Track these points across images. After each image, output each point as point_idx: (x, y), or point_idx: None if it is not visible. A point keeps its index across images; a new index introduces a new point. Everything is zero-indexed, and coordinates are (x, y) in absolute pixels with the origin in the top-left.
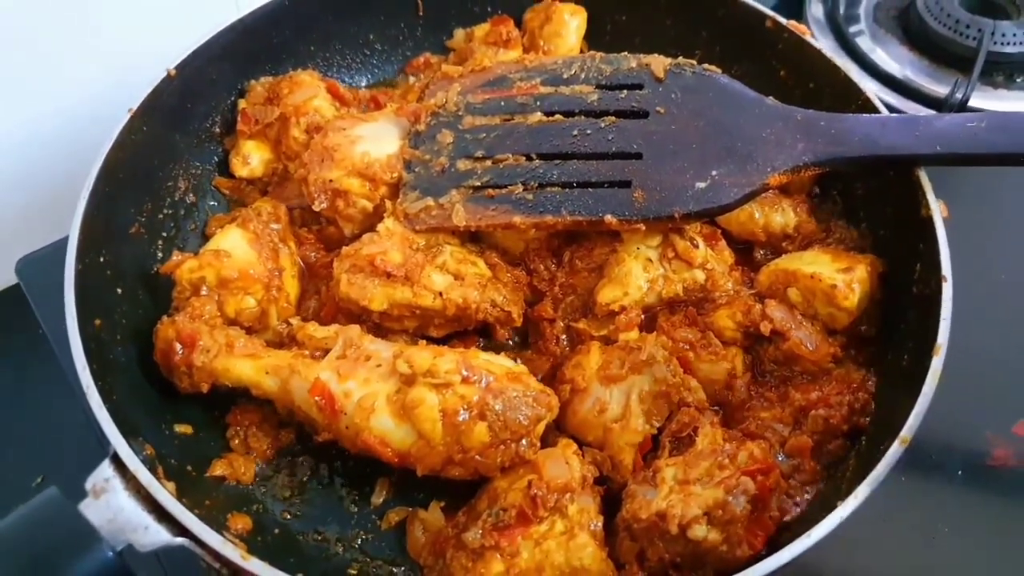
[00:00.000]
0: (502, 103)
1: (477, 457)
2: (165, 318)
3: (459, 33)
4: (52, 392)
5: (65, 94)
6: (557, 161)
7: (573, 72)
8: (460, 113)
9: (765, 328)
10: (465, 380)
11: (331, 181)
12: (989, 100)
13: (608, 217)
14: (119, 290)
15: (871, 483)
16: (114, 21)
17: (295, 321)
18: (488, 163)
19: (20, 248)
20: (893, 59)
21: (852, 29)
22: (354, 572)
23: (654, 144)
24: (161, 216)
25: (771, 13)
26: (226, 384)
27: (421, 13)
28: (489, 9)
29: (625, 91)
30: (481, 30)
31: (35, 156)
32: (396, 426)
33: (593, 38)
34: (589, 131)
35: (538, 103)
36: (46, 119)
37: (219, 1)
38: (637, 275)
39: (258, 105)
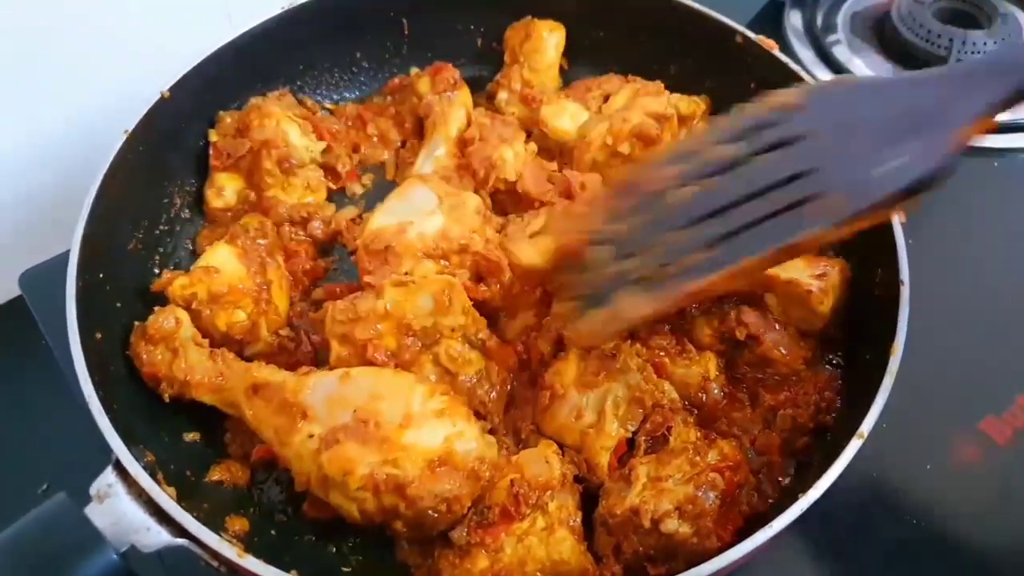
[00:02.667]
0: (644, 200)
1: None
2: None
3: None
4: (54, 401)
5: (63, 112)
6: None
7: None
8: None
9: (740, 333)
10: (375, 492)
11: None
12: None
13: (810, 232)
14: (118, 304)
15: (830, 477)
16: (110, 41)
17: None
18: (649, 254)
19: (23, 261)
20: (869, 68)
21: (830, 39)
22: (347, 570)
23: (822, 154)
24: (157, 232)
25: (741, 28)
26: None
27: (406, 32)
28: (472, 27)
29: (766, 130)
30: (424, 84)
31: (36, 173)
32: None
33: (572, 54)
34: (746, 174)
35: (681, 180)
36: (46, 137)
37: (214, 21)
38: None
39: (228, 137)
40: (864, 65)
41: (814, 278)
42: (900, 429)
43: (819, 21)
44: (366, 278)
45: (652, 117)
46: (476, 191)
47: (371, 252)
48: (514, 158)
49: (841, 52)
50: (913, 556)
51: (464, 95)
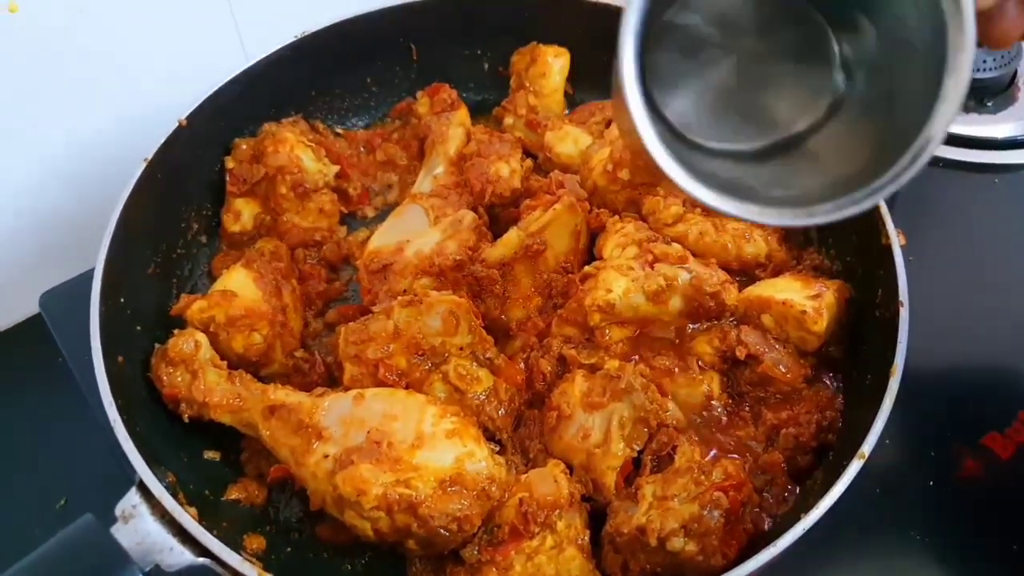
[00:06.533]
0: None
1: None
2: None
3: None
4: (71, 417)
5: (82, 138)
6: None
7: None
8: None
9: (740, 352)
10: (389, 512)
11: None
12: (961, 123)
13: None
14: (138, 328)
15: (832, 497)
16: (127, 70)
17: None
18: None
19: (41, 279)
20: None
21: None
22: None
23: None
24: (175, 256)
25: None
26: None
27: (415, 58)
28: (479, 52)
29: None
30: (423, 106)
31: (55, 197)
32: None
33: (577, 78)
34: None
35: None
36: (64, 161)
37: (227, 49)
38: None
39: (244, 163)
40: None
41: (809, 298)
42: (903, 445)
43: None
44: (367, 297)
45: None
46: (474, 206)
47: (371, 271)
48: (510, 174)
49: None
50: (917, 573)
51: (462, 114)
